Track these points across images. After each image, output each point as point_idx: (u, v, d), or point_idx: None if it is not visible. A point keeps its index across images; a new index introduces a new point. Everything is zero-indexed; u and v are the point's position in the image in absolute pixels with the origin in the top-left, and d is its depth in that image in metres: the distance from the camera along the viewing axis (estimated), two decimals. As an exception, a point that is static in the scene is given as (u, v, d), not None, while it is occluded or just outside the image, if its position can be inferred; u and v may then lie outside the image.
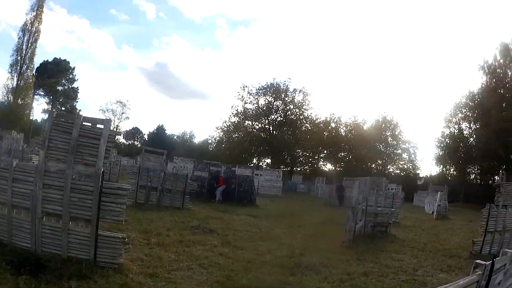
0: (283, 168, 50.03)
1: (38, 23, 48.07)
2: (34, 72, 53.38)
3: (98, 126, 5.66)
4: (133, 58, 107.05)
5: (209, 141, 67.02)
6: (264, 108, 57.62)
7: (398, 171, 52.49)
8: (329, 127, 55.96)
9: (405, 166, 52.90)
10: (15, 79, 47.66)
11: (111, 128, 5.61)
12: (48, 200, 5.82)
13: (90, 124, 5.73)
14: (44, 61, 64.73)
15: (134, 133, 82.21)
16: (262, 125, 58.89)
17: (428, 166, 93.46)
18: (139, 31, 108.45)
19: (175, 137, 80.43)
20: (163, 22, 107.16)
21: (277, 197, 28.23)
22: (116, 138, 5.57)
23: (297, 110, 57.52)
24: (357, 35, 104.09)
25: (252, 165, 45.61)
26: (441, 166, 46.82)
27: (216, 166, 20.96)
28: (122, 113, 70.95)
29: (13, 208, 6.11)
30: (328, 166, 57.72)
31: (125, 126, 77.70)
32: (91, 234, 5.65)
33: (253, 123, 59.01)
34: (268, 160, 59.49)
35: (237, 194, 19.39)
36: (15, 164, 6.12)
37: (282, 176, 34.84)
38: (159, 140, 65.00)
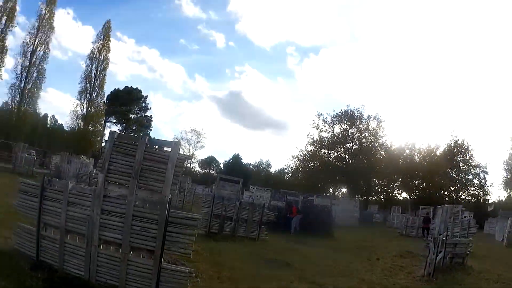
0: (358, 197, 49.37)
1: (106, 52, 49.34)
2: (105, 100, 55.21)
3: (166, 149, 5.16)
4: (206, 88, 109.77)
5: (286, 170, 67.12)
6: (340, 136, 57.11)
7: (469, 198, 50.63)
8: (404, 154, 55.04)
9: (476, 192, 51.01)
10: (85, 105, 48.80)
11: (184, 153, 5.10)
12: (107, 227, 5.35)
13: (156, 147, 5.26)
14: (115, 89, 66.76)
15: (210, 162, 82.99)
16: (338, 153, 58.30)
17: (496, 191, 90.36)
18: (211, 60, 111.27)
19: (251, 166, 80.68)
20: (234, 51, 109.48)
21: (354, 227, 27.43)
22: (186, 163, 5.09)
23: (371, 137, 56.82)
24: (427, 60, 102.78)
25: (328, 194, 45.20)
26: (510, 191, 45.27)
27: (293, 195, 20.32)
28: (197, 142, 70.82)
29: (67, 233, 5.67)
30: (403, 195, 56.62)
31: (200, 155, 78.88)
32: (154, 267, 5.13)
33: (329, 151, 58.58)
34: (344, 189, 59.03)
35: (315, 225, 18.43)
36: (70, 186, 5.68)
37: (358, 206, 34.21)
38: (235, 169, 64.37)
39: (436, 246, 9.28)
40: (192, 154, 69.38)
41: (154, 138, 5.45)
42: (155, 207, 5.18)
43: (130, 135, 6.19)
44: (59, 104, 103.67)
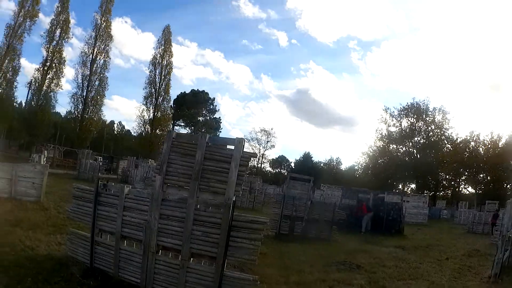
0: (427, 193, 48.58)
1: (169, 57, 50.56)
2: (172, 104, 56.97)
3: (229, 147, 4.86)
4: (273, 87, 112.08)
5: (356, 167, 67.35)
6: (407, 130, 57.13)
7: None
8: (469, 147, 53.45)
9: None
10: (151, 110, 50.09)
11: (248, 151, 4.79)
12: (165, 232, 5.07)
13: (218, 145, 4.98)
14: (181, 92, 68.70)
15: (280, 161, 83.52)
16: (407, 148, 58.25)
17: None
18: (275, 60, 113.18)
19: (321, 165, 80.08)
20: (297, 49, 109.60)
21: (423, 225, 26.90)
22: (251, 161, 4.76)
23: (438, 130, 56.57)
24: (489, 46, 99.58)
25: (397, 191, 44.51)
26: None
27: (365, 193, 19.84)
28: (267, 141, 71.66)
29: (123, 239, 5.44)
30: (469, 189, 55.21)
31: (271, 155, 79.28)
32: (215, 274, 4.78)
33: (398, 146, 58.67)
34: (413, 185, 58.54)
35: (385, 223, 17.90)
36: (127, 190, 5.46)
37: (427, 202, 33.66)
38: (305, 167, 63.96)
39: (504, 244, 8.61)
40: (263, 154, 70.07)
41: (215, 136, 5.14)
42: (218, 210, 4.87)
43: (189, 134, 5.81)
44: (126, 111, 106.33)
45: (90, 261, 5.65)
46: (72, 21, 45.47)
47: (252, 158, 4.88)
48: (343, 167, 79.05)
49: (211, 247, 4.82)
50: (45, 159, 23.40)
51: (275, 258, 8.65)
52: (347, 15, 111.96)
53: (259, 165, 69.02)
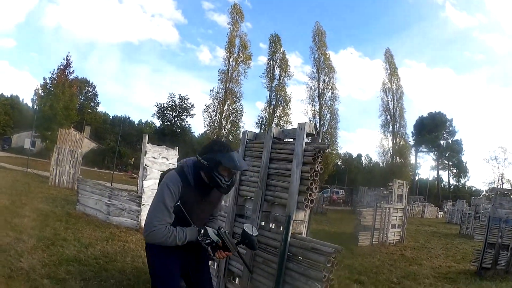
0: None
1: (397, 81, 50.24)
2: (412, 130, 58.37)
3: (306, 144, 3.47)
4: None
5: None
6: None
7: None
8: None
9: None
10: (390, 139, 49.81)
11: (324, 146, 3.25)
12: (235, 255, 4.02)
13: (285, 140, 3.73)
14: (420, 117, 68.00)
15: None
16: None
17: None
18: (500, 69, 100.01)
19: None
20: None
21: None
22: (323, 154, 3.14)
23: None
24: None
25: None
26: None
27: None
28: (505, 158, 63.85)
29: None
30: None
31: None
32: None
33: None
34: None
35: None
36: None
37: None
38: None
39: None
40: (502, 174, 59.50)
41: (284, 128, 3.95)
42: (278, 230, 3.50)
43: (263, 132, 4.35)
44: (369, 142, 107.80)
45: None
46: (298, 59, 48.19)
47: (324, 152, 3.30)
48: None
49: (269, 281, 3.43)
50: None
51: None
52: None
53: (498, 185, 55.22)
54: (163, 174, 2.78)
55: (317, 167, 3.27)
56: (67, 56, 41.99)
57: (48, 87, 35.33)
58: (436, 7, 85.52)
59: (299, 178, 3.32)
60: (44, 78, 36.19)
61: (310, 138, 3.52)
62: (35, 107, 40.74)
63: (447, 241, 15.70)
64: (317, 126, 3.64)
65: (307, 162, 3.30)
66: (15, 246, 5.85)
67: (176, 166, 2.86)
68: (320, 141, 3.55)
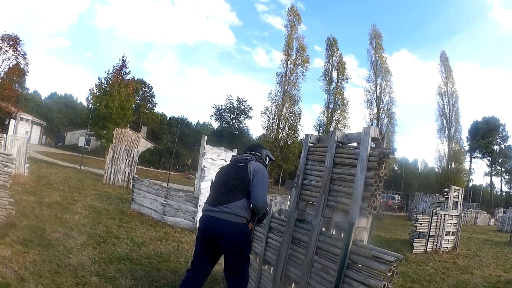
0: None
1: (452, 84, 49.03)
2: (467, 135, 57.46)
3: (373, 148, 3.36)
4: None
5: None
6: None
7: None
8: None
9: None
10: (445, 144, 48.86)
11: (390, 151, 3.13)
12: (292, 260, 4.01)
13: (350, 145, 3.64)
14: (474, 121, 66.75)
15: None
16: None
17: None
18: None
19: None
20: None
21: None
22: (386, 160, 3.05)
23: None
24: None
25: None
26: None
27: None
28: None
29: (264, 263, 4.73)
30: None
31: None
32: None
33: None
34: None
35: None
36: (275, 209, 4.82)
37: None
38: None
39: None
40: None
41: (343, 131, 3.84)
42: (340, 236, 3.42)
43: (326, 136, 4.11)
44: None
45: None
46: (353, 62, 47.21)
47: (389, 157, 3.19)
48: None
49: (326, 285, 3.36)
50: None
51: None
52: None
53: None
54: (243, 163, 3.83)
55: (382, 172, 3.17)
56: (123, 56, 43.56)
57: (103, 87, 36.98)
58: (484, 8, 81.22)
59: (363, 183, 3.23)
60: (99, 78, 37.92)
61: (374, 142, 3.42)
62: (90, 106, 42.81)
63: (498, 250, 15.09)
64: (382, 131, 3.52)
65: (371, 167, 3.20)
66: (64, 242, 5.84)
67: (247, 158, 3.89)
68: (384, 146, 3.44)
